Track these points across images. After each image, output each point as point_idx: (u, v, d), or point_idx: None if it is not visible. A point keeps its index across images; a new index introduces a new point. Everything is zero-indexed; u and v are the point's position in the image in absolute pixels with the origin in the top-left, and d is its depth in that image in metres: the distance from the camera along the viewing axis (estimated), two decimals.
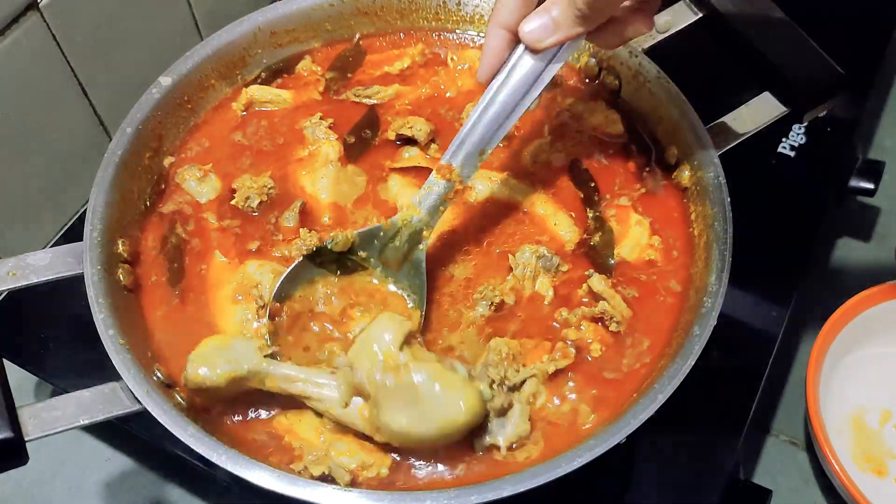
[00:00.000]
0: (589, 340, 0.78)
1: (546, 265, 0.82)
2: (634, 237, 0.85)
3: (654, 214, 0.87)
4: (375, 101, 0.97)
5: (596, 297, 0.79)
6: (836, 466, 0.88)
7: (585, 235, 0.85)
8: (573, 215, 0.87)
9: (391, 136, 0.94)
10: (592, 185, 0.89)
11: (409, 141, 0.93)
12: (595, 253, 0.84)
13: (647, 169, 0.90)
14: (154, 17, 1.08)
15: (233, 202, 0.88)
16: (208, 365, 0.72)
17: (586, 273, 0.81)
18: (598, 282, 0.80)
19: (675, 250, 0.84)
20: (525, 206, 0.88)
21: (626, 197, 0.88)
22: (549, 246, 0.84)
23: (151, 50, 1.08)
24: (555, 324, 0.80)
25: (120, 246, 0.83)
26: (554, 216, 0.87)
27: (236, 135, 0.95)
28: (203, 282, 0.84)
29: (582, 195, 0.89)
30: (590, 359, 0.78)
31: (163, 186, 0.90)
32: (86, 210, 0.82)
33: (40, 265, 0.78)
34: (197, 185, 0.90)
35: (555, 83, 0.98)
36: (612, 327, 0.79)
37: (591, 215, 0.86)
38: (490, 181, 0.89)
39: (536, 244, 0.84)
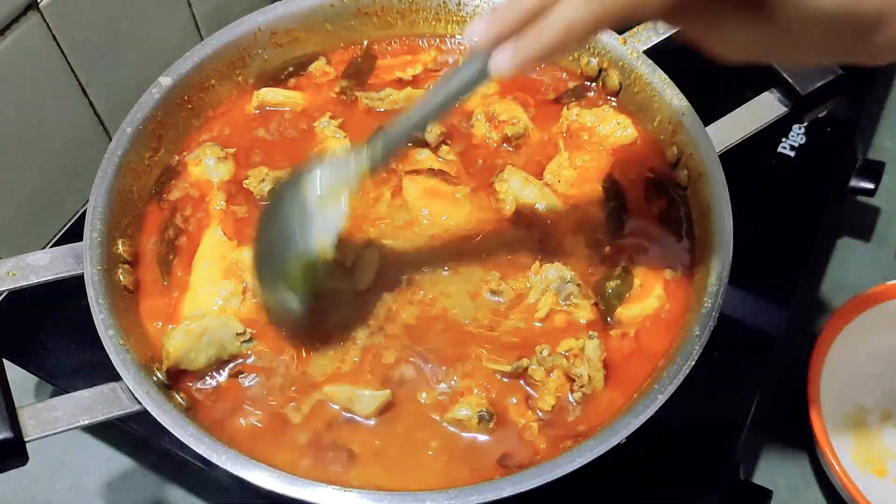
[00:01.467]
0: (546, 395, 0.76)
1: (560, 288, 0.81)
2: (647, 306, 0.82)
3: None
4: (387, 108, 0.97)
5: (583, 359, 0.76)
6: (836, 466, 0.88)
7: (604, 279, 0.83)
8: (597, 236, 0.86)
9: None
10: (622, 201, 0.89)
11: (420, 143, 0.93)
12: (603, 300, 0.82)
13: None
14: (154, 17, 1.08)
15: (245, 182, 0.89)
16: (191, 352, 0.76)
17: (589, 333, 0.78)
18: (594, 348, 0.76)
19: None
20: (549, 217, 0.88)
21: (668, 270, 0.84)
22: (567, 262, 0.83)
23: (151, 50, 1.08)
24: (532, 366, 0.77)
25: (120, 246, 0.83)
26: (573, 235, 0.87)
27: (254, 131, 0.96)
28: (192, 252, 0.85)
29: (609, 209, 0.88)
30: (539, 413, 0.76)
31: (178, 168, 0.92)
32: (86, 210, 0.83)
33: (40, 265, 0.78)
34: (215, 163, 0.91)
35: (558, 96, 0.98)
36: (576, 395, 0.76)
37: (622, 265, 0.83)
38: (525, 182, 0.89)
39: (563, 263, 0.82)
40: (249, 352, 0.78)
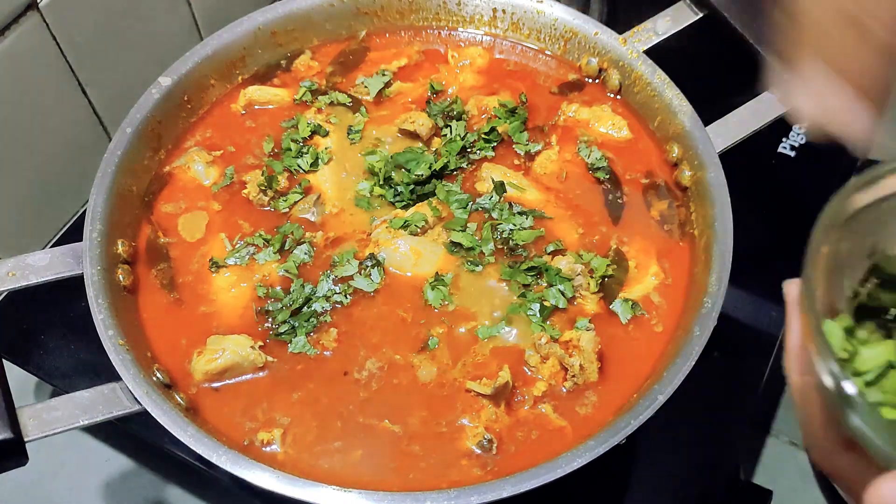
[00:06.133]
0: (540, 377, 0.77)
1: (571, 280, 0.82)
2: (646, 286, 0.83)
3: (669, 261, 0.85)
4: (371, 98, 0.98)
5: (579, 349, 0.77)
6: None
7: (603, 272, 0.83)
8: (580, 225, 0.87)
9: (394, 130, 0.94)
10: (616, 182, 0.90)
11: (412, 136, 0.93)
12: (604, 288, 0.82)
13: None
14: (154, 17, 1.08)
15: (244, 192, 0.89)
16: (213, 382, 0.78)
17: (586, 325, 0.79)
18: (588, 340, 0.77)
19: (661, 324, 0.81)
20: (536, 206, 0.88)
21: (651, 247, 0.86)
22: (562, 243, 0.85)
23: (151, 50, 1.08)
24: (529, 352, 0.78)
25: (120, 246, 0.83)
26: (562, 220, 0.87)
27: (242, 131, 0.95)
28: (200, 275, 0.84)
29: (604, 190, 0.89)
30: (524, 398, 0.76)
31: (167, 178, 0.91)
32: (86, 210, 0.82)
33: (40, 265, 0.78)
34: (205, 168, 0.91)
35: (568, 90, 0.99)
36: (568, 384, 0.76)
37: (613, 247, 0.85)
38: (504, 176, 0.89)
39: (576, 255, 0.83)
40: (263, 362, 0.78)
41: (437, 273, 0.82)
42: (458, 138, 0.91)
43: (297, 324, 0.80)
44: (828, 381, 0.42)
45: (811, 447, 0.48)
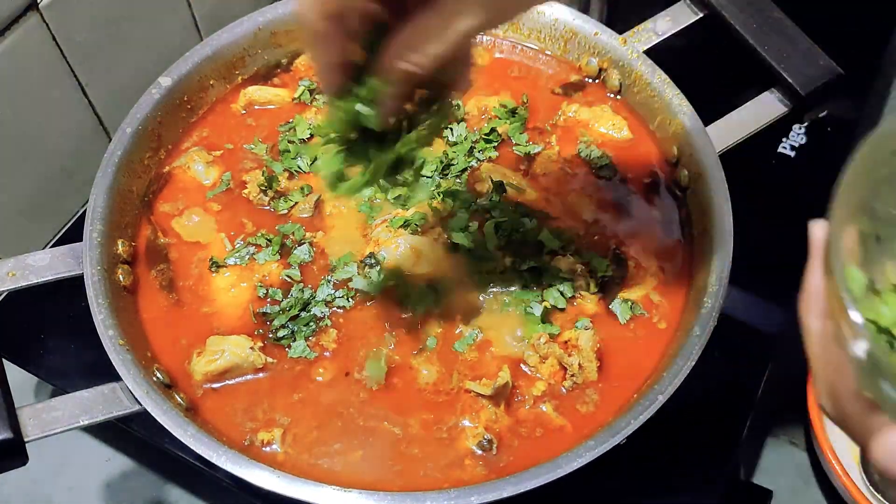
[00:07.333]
0: (539, 376, 0.77)
1: (571, 280, 0.82)
2: (646, 286, 0.83)
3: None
4: None
5: (578, 349, 0.77)
6: (836, 466, 0.88)
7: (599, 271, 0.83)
8: (580, 225, 0.87)
9: None
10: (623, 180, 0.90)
11: None
12: (603, 288, 0.82)
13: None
14: (154, 18, 1.08)
15: (244, 192, 0.89)
16: (214, 382, 0.78)
17: (586, 325, 0.79)
18: (587, 339, 0.77)
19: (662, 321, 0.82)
20: (536, 206, 0.88)
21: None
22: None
23: (151, 50, 1.08)
24: (528, 352, 0.79)
25: (120, 246, 0.83)
26: (562, 220, 0.88)
27: (242, 131, 0.95)
28: (199, 276, 0.84)
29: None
30: (524, 397, 0.76)
31: (167, 178, 0.92)
32: (86, 210, 0.83)
33: (40, 265, 0.78)
34: (204, 168, 0.91)
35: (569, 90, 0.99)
36: (567, 384, 0.77)
37: (612, 247, 0.85)
38: (503, 176, 0.89)
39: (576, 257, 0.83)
40: (262, 363, 0.78)
41: (428, 278, 0.82)
42: (462, 139, 0.92)
43: (295, 328, 0.79)
44: (848, 333, 0.41)
45: (821, 391, 0.47)
